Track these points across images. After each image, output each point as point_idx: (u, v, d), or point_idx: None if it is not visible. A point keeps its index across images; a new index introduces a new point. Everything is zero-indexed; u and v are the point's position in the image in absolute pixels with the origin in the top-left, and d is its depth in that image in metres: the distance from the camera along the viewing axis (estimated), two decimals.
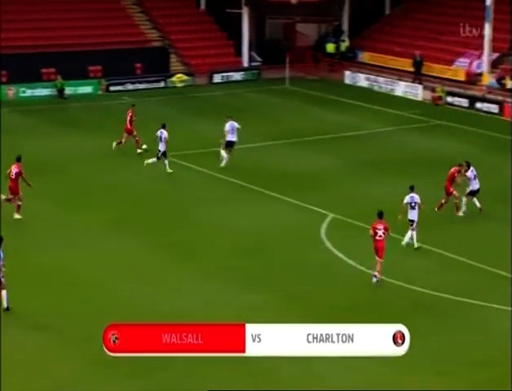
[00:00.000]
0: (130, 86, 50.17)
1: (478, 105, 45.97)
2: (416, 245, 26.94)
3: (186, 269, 25.63)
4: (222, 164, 34.58)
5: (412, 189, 27.09)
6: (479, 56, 49.02)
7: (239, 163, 34.79)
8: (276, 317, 22.52)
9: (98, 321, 19.61)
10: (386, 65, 52.89)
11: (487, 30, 47.51)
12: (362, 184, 33.71)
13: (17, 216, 28.96)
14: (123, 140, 36.45)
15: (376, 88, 51.32)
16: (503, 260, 26.15)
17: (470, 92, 47.88)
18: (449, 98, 47.47)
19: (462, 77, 49.14)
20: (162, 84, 51.25)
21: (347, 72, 53.29)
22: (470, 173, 29.85)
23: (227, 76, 53.26)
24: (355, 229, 28.74)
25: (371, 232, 24.41)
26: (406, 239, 26.88)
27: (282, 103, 46.61)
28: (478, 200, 29.89)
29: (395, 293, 24.19)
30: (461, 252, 26.74)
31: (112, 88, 49.85)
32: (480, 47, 48.72)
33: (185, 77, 52.14)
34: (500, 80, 47.20)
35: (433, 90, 48.36)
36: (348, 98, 48.52)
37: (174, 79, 51.77)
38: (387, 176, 34.67)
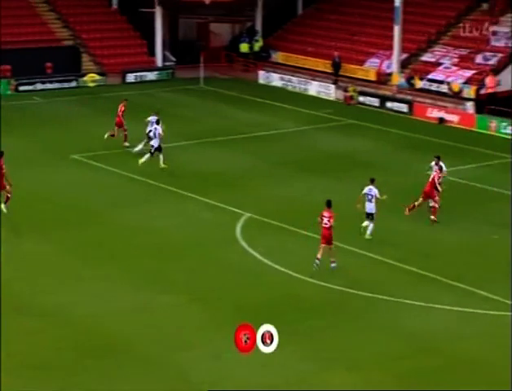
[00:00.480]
0: (40, 86, 49.52)
1: (389, 104, 46.84)
2: (368, 236, 27.81)
3: (100, 270, 25.46)
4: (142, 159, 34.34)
5: (372, 181, 27.87)
6: (389, 57, 49.94)
7: (153, 163, 34.70)
8: (189, 318, 22.70)
9: None
10: (299, 65, 53.39)
11: (397, 31, 48.41)
12: (277, 183, 34.00)
13: (3, 207, 28.64)
14: (115, 133, 37.18)
15: (290, 88, 51.79)
16: (412, 255, 26.76)
17: (380, 92, 48.76)
18: (361, 98, 48.23)
19: (373, 77, 49.98)
20: (74, 83, 50.72)
21: (261, 72, 53.63)
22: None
23: (141, 75, 53.02)
24: (270, 228, 29.04)
25: (318, 219, 25.38)
26: (363, 224, 27.74)
27: (197, 102, 46.65)
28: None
29: (308, 290, 24.50)
30: (372, 248, 27.24)
31: (21, 88, 49.11)
32: (390, 48, 49.62)
33: (97, 77, 51.71)
34: (409, 80, 48.19)
35: (345, 90, 49.06)
36: (262, 98, 48.84)
37: (85, 79, 51.28)
38: (301, 175, 35.10)
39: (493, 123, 42.36)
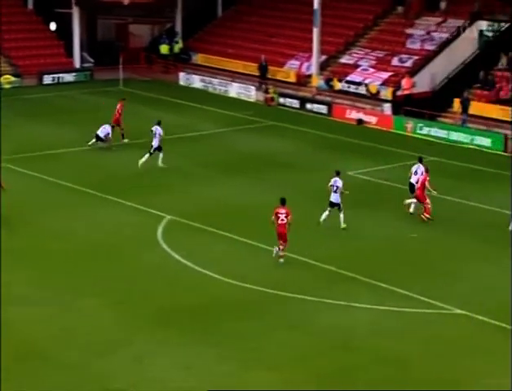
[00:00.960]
0: None
1: (309, 106, 47.27)
2: (342, 226, 28.97)
3: (19, 274, 25.07)
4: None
5: (337, 174, 29.11)
6: (309, 59, 50.39)
7: (74, 165, 34.33)
8: (110, 321, 22.53)
9: None
10: (219, 67, 53.48)
11: (316, 34, 48.86)
12: (198, 185, 33.99)
13: None
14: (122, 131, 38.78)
15: (210, 89, 51.83)
16: (331, 255, 27.04)
17: (300, 93, 49.17)
18: (281, 99, 48.55)
19: (293, 79, 50.36)
20: None
21: (182, 74, 53.54)
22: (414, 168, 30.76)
23: (58, 77, 52.35)
24: (191, 230, 29.02)
25: (273, 217, 25.98)
26: (323, 217, 28.87)
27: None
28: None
29: (227, 292, 24.53)
30: (292, 248, 27.22)
31: None
32: (309, 50, 50.07)
33: (13, 79, 50.88)
34: (328, 81, 48.70)
35: (265, 91, 49.31)
36: (183, 100, 48.75)
37: (1, 80, 50.39)
38: (222, 176, 35.16)
39: (410, 124, 43.11)
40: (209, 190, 33.38)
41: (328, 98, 47.56)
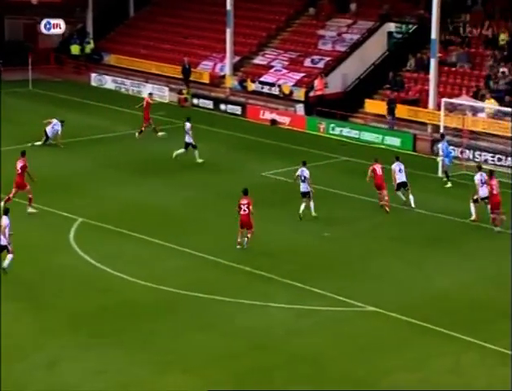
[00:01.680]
0: None
1: (223, 107, 47.25)
2: (313, 214, 29.99)
3: None
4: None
5: (304, 164, 30.19)
6: (222, 59, 50.39)
7: None
8: (22, 327, 22.15)
9: None
10: (132, 67, 53.05)
11: (229, 34, 48.90)
12: (111, 186, 33.71)
13: (31, 210, 29.75)
14: (143, 128, 40.22)
15: (123, 90, 51.37)
16: (246, 255, 27.05)
17: (214, 94, 49.12)
18: (195, 100, 48.42)
19: (207, 80, 50.29)
20: None
21: (93, 75, 52.91)
22: (396, 166, 31.54)
23: None
24: (104, 231, 28.70)
25: (237, 208, 27.20)
26: (300, 210, 29.78)
27: (25, 105, 45.42)
28: (405, 194, 31.71)
29: (141, 294, 24.31)
30: (206, 249, 27.32)
31: None
32: (223, 51, 50.07)
33: None
34: (242, 82, 48.78)
35: (179, 92, 49.10)
36: (95, 101, 48.17)
37: None
38: (135, 177, 34.89)
39: (322, 124, 43.51)
40: (122, 191, 33.09)
41: (242, 99, 47.63)
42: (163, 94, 49.80)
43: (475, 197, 30.23)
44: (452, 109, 37.91)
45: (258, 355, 21.05)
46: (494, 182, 29.72)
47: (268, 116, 45.46)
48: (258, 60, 50.43)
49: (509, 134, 37.85)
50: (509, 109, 38.30)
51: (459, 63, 43.48)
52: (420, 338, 22.08)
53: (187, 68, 50.00)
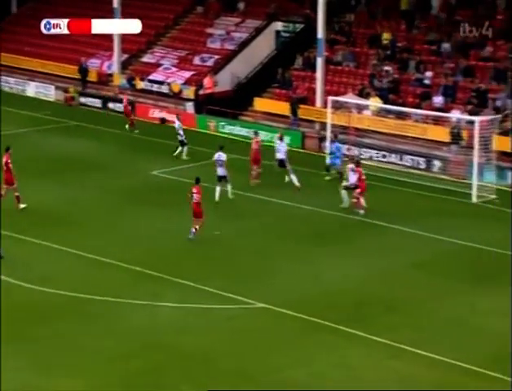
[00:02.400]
0: None
1: (111, 105, 46.79)
2: (230, 196, 31.59)
3: None
4: None
5: (221, 148, 31.53)
6: (110, 57, 49.89)
7: None
8: None
9: None
10: (16, 65, 51.96)
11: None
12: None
13: (22, 205, 30.11)
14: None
15: (7, 89, 50.29)
16: (135, 255, 26.95)
17: (102, 92, 48.59)
18: (82, 99, 47.81)
19: (94, 78, 49.69)
20: None
21: None
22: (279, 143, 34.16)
23: None
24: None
25: (188, 195, 28.35)
26: (216, 194, 30.78)
27: None
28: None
29: (27, 297, 23.97)
30: (96, 250, 27.09)
31: None
32: (110, 49, 49.59)
33: None
34: (130, 80, 48.41)
35: (65, 91, 48.39)
36: None
37: None
38: (23, 179, 34.16)
39: (212, 123, 43.62)
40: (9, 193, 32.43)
41: (131, 98, 47.26)
42: (49, 92, 49.00)
43: (346, 184, 31.67)
44: (338, 107, 38.60)
45: (149, 355, 20.98)
46: (361, 169, 31.76)
47: (158, 114, 45.30)
48: (147, 58, 50.17)
49: (393, 132, 38.85)
50: (392, 107, 39.27)
51: (344, 62, 44.28)
52: (309, 333, 22.43)
53: (85, 67, 49.11)
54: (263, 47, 47.39)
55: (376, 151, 38.17)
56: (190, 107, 45.63)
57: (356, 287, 25.49)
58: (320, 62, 42.19)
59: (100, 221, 30.06)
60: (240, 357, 21.09)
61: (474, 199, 33.45)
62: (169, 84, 47.19)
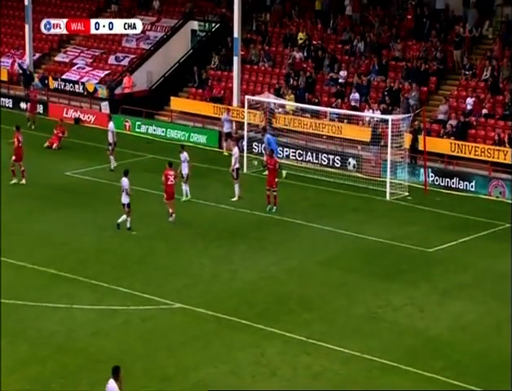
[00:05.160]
0: None
1: (23, 105, 45.93)
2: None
3: None
4: None
5: (125, 174, 29.36)
6: (22, 56, 49.01)
7: None
8: None
9: None
10: None
11: (28, 30, 47.59)
12: None
13: (23, 181, 33.43)
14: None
15: None
16: (47, 257, 26.60)
17: (13, 92, 47.69)
18: None
19: (5, 77, 48.77)
20: None
21: None
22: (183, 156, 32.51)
23: None
24: None
25: (163, 178, 29.52)
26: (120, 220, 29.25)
27: None
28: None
29: None
30: (8, 253, 26.62)
31: None
32: (22, 47, 48.72)
33: None
34: (43, 80, 47.62)
35: None
36: None
37: None
38: None
39: (128, 122, 43.23)
40: None
41: (44, 97, 46.51)
42: None
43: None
44: (255, 106, 38.69)
45: (63, 358, 20.69)
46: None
47: (72, 114, 44.67)
48: (60, 57, 49.44)
49: (310, 130, 39.12)
50: (308, 106, 39.53)
51: (261, 62, 44.40)
52: (226, 331, 22.39)
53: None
54: (179, 46, 47.19)
55: (292, 150, 38.35)
56: (105, 107, 45.10)
57: (271, 283, 25.56)
58: (236, 61, 42.21)
59: (10, 224, 29.42)
60: (156, 357, 20.91)
61: (388, 197, 33.90)
62: (83, 83, 46.58)
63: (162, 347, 21.47)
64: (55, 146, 39.22)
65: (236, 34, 41.92)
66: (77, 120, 44.26)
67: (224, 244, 28.54)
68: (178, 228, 29.82)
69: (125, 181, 29.07)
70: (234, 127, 39.99)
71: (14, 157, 33.77)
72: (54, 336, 21.84)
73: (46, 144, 39.29)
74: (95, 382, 19.54)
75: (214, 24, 47.41)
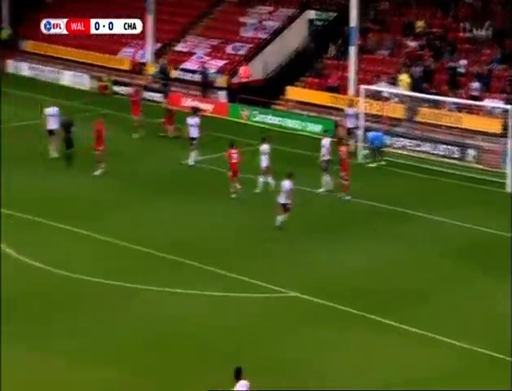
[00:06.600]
0: None
1: (144, 94, 46.79)
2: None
3: None
4: None
5: (289, 177, 28.46)
6: (143, 46, 49.97)
7: None
8: None
9: None
10: (50, 54, 52.15)
11: (150, 21, 48.51)
12: (28, 177, 33.11)
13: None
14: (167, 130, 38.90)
15: (41, 77, 50.51)
16: (167, 242, 26.97)
17: (135, 81, 48.64)
18: (116, 88, 47.91)
19: (127, 67, 49.80)
20: None
21: (10, 61, 51.87)
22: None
23: None
24: (25, 223, 28.25)
25: (227, 156, 31.44)
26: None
27: None
28: None
29: (67, 285, 24.03)
30: (127, 237, 27.06)
31: None
32: (144, 37, 49.63)
33: None
34: (163, 69, 48.37)
35: (99, 80, 48.53)
36: (12, 88, 47.15)
37: None
38: (55, 165, 34.36)
39: (245, 111, 43.54)
40: (40, 181, 32.67)
41: (164, 87, 47.25)
42: (83, 81, 49.17)
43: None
44: (371, 96, 38.35)
45: (175, 344, 20.83)
46: (343, 149, 31.77)
47: (190, 103, 45.27)
48: (180, 47, 50.14)
49: (427, 121, 38.53)
50: (426, 95, 38.92)
51: (378, 51, 43.96)
52: (339, 321, 22.23)
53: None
54: (296, 36, 47.17)
55: (409, 141, 37.86)
56: (222, 96, 45.55)
57: (387, 275, 25.32)
58: (352, 50, 41.91)
59: (130, 209, 30.11)
60: (272, 346, 20.92)
61: (509, 189, 33.09)
62: (201, 73, 47.12)
63: (279, 335, 21.49)
64: (171, 133, 39.69)
65: (352, 23, 41.62)
66: (195, 109, 44.78)
67: (335, 233, 28.38)
68: (293, 218, 29.81)
69: (287, 184, 28.45)
70: (360, 122, 37.76)
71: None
72: (168, 320, 22.09)
73: (169, 134, 39.50)
74: (209, 370, 19.73)
75: (331, 13, 47.18)
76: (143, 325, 21.81)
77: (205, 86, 46.56)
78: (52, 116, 35.64)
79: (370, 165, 35.96)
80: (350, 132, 38.43)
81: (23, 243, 26.46)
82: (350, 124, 38.81)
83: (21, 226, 28.05)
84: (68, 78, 49.71)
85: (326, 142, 32.93)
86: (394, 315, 22.43)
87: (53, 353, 20.14)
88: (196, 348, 20.73)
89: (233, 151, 31.55)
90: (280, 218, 28.37)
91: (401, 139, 37.85)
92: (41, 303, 22.77)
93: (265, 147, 32.31)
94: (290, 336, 21.51)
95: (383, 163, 35.93)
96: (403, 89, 39.86)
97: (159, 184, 33.08)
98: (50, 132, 35.54)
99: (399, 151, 36.18)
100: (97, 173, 33.20)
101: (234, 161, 31.31)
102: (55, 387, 18.83)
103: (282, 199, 28.38)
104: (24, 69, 51.27)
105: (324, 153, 32.49)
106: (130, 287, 23.85)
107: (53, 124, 35.44)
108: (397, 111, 39.36)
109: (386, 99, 39.19)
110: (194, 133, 35.59)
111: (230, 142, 31.93)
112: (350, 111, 39.03)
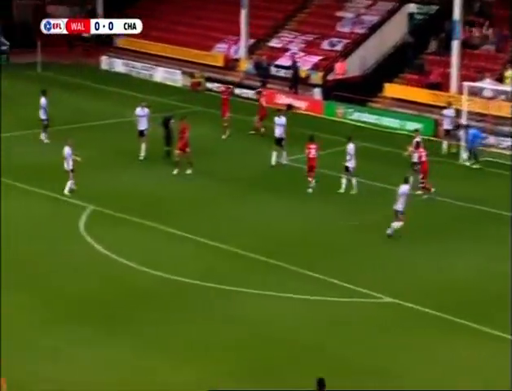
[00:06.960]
0: None
1: (237, 91, 45.89)
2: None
3: None
4: None
5: (406, 181, 27.14)
6: (237, 42, 49.12)
7: None
8: (26, 315, 21.45)
9: None
10: (143, 50, 51.84)
11: (244, 16, 47.65)
12: (119, 173, 32.68)
13: (189, 171, 32.36)
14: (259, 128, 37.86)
15: (134, 74, 50.19)
16: (259, 244, 26.12)
17: (228, 78, 47.83)
18: (208, 84, 47.17)
19: (221, 63, 49.05)
20: None
21: (104, 57, 51.76)
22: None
23: None
24: (116, 220, 27.76)
25: (306, 151, 30.72)
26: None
27: (34, 89, 44.18)
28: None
29: (156, 284, 23.51)
30: (219, 238, 26.40)
31: None
32: (237, 33, 48.80)
33: None
34: (258, 65, 47.41)
35: (192, 76, 47.88)
36: (105, 85, 47.06)
37: None
38: (141, 164, 33.77)
39: (340, 109, 42.18)
40: (131, 178, 32.12)
41: (257, 83, 46.27)
42: (175, 77, 48.62)
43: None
44: (475, 93, 36.58)
45: (266, 349, 20.11)
46: (421, 150, 30.99)
47: (284, 100, 44.14)
48: (274, 43, 49.15)
49: None
50: None
51: (483, 46, 42.06)
52: (442, 331, 20.99)
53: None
54: (395, 30, 45.60)
55: None
56: (317, 93, 44.25)
57: (490, 282, 23.97)
58: (455, 45, 40.17)
59: (225, 209, 29.30)
60: (375, 353, 19.91)
61: None
62: (291, 67, 45.86)
63: (371, 342, 20.51)
64: (262, 130, 38.57)
65: (456, 16, 39.87)
66: (290, 107, 43.65)
67: (430, 237, 27.06)
68: (379, 222, 28.35)
69: (404, 188, 26.83)
70: (462, 121, 35.89)
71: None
72: (260, 323, 21.33)
73: (257, 130, 38.73)
74: (297, 375, 18.74)
75: (432, 7, 45.42)
76: (234, 327, 21.18)
77: (295, 81, 45.15)
78: (141, 117, 34.74)
79: (473, 167, 34.36)
80: (448, 133, 36.73)
81: (117, 242, 26.07)
82: (447, 125, 37.07)
83: (113, 224, 27.61)
84: (160, 75, 49.20)
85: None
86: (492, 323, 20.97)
87: (156, 351, 19.82)
88: (286, 351, 20.04)
89: (312, 146, 30.72)
90: (394, 225, 26.66)
91: (507, 139, 35.93)
92: (145, 304, 22.37)
93: (351, 147, 30.84)
94: (383, 343, 20.46)
95: (480, 164, 34.26)
96: (509, 86, 37.95)
97: (250, 183, 32.17)
98: (141, 133, 34.73)
99: (505, 152, 34.31)
100: (188, 171, 32.40)
101: (311, 156, 30.52)
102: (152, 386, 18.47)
103: (400, 206, 26.50)
104: (118, 65, 51.00)
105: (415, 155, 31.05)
106: (225, 289, 23.13)
107: (142, 124, 34.59)
108: (503, 109, 37.40)
109: (491, 97, 37.28)
110: (280, 132, 34.08)
111: (310, 136, 31.16)
112: (447, 112, 37.22)
